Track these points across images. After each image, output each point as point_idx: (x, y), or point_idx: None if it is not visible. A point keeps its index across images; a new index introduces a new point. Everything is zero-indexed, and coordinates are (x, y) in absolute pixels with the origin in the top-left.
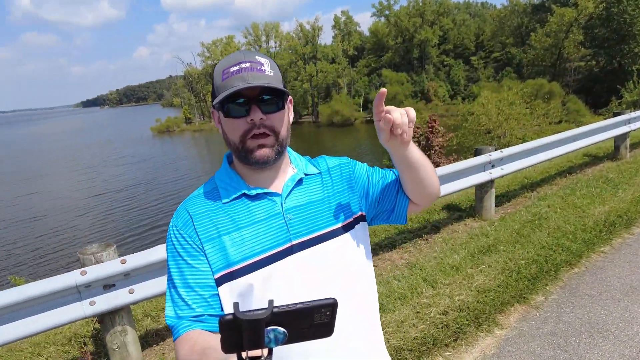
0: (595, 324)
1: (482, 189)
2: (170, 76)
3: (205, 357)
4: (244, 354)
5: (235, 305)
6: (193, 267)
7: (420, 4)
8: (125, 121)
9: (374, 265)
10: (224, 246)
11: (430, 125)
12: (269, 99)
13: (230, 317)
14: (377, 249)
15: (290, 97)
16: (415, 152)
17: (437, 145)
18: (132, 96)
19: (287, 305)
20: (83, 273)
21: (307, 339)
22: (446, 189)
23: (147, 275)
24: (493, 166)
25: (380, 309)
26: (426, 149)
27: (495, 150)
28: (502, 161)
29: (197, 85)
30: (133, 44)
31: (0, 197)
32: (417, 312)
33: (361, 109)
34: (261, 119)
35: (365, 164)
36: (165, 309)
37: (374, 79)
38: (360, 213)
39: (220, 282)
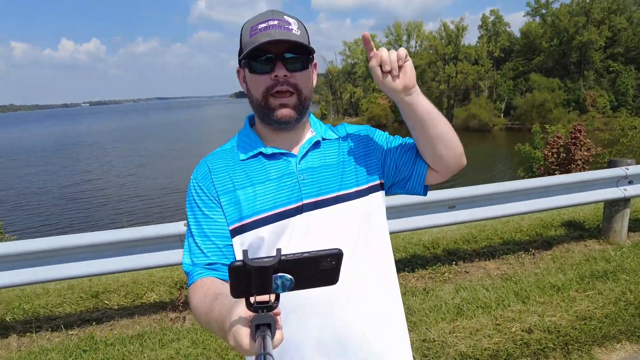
0: None
1: (612, 207)
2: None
3: (216, 302)
4: (252, 299)
5: (245, 252)
6: (209, 218)
7: (588, 1)
8: None
9: (465, 272)
10: (238, 200)
11: (573, 135)
12: (293, 57)
13: (239, 263)
14: (474, 256)
15: (315, 61)
16: (423, 102)
17: (580, 159)
18: None
19: (294, 254)
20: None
21: (313, 286)
22: (566, 199)
23: None
24: (630, 182)
25: (456, 313)
26: (565, 162)
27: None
28: None
29: (336, 83)
30: None
31: (158, 170)
32: (497, 324)
33: (502, 115)
34: (285, 75)
35: (386, 132)
36: (182, 257)
37: (520, 84)
38: (377, 182)
39: (233, 233)
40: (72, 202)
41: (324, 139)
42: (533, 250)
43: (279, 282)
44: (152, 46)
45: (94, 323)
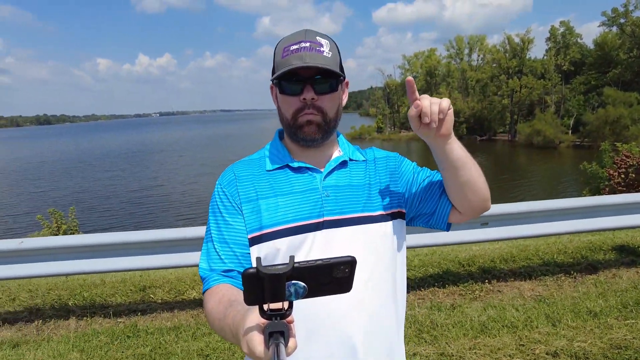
0: None
1: None
2: (371, 87)
3: (230, 309)
4: (265, 306)
5: (258, 259)
6: (230, 224)
7: None
8: None
9: (498, 291)
10: (260, 209)
11: None
12: (322, 79)
13: (252, 270)
14: (509, 275)
15: (346, 80)
16: (457, 149)
17: None
18: None
19: (307, 261)
20: None
21: (327, 293)
22: (612, 221)
23: None
24: None
25: (480, 330)
26: (635, 183)
27: None
28: None
29: (394, 97)
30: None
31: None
32: (521, 345)
33: (570, 132)
34: (313, 98)
35: (415, 163)
36: (199, 261)
37: (591, 98)
38: (398, 209)
39: (251, 242)
40: (138, 206)
41: (351, 160)
42: (575, 274)
43: (292, 289)
44: (218, 60)
45: (139, 313)
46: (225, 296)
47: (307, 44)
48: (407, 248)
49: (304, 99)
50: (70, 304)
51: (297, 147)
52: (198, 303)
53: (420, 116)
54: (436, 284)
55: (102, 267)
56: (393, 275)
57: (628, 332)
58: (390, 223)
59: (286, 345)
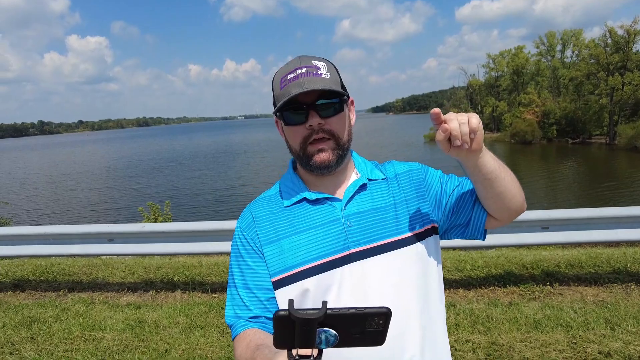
0: None
1: None
2: (453, 87)
3: (258, 353)
4: (294, 352)
5: (290, 302)
6: (252, 269)
7: None
8: (405, 127)
9: (559, 294)
10: (282, 250)
11: None
12: (326, 103)
13: (284, 313)
14: (574, 280)
15: (351, 99)
16: (488, 162)
17: None
18: (414, 104)
19: (340, 309)
20: None
21: (358, 345)
22: None
23: None
24: None
25: (534, 327)
26: None
27: None
28: None
29: (477, 97)
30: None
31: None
32: (574, 343)
33: None
34: (319, 123)
35: (440, 171)
36: (226, 307)
37: None
38: (431, 225)
39: (276, 285)
40: (222, 204)
41: (370, 180)
42: None
43: (323, 337)
44: None
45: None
46: (253, 341)
47: (304, 70)
48: (470, 249)
49: (310, 125)
50: (175, 280)
51: (313, 176)
52: None
53: (449, 139)
54: (497, 283)
55: (200, 249)
56: (435, 300)
57: None
58: (424, 242)
59: None
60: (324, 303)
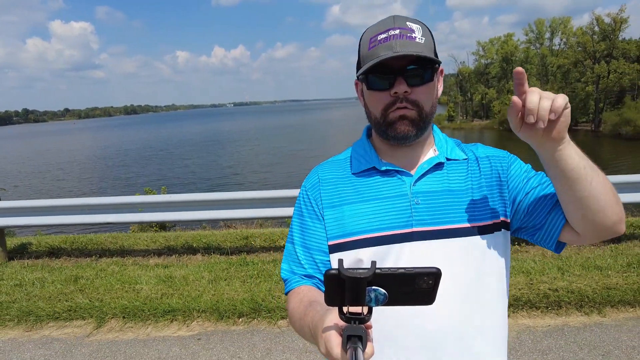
0: None
1: None
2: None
3: (310, 309)
4: (345, 309)
5: (340, 261)
6: (311, 230)
7: None
8: None
9: (525, 252)
10: (343, 216)
11: None
12: (416, 69)
13: (334, 272)
14: None
15: (441, 68)
16: (571, 157)
17: None
18: None
19: (389, 268)
20: None
21: (408, 304)
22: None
23: None
24: None
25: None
26: None
27: None
28: None
29: (467, 84)
30: None
31: (290, 168)
32: (531, 283)
33: None
34: (405, 92)
35: (528, 165)
36: (282, 262)
37: None
38: (503, 219)
39: (331, 249)
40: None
41: (448, 160)
42: (599, 243)
43: (372, 295)
44: (289, 51)
45: (244, 253)
46: (306, 297)
47: (397, 31)
48: None
49: (396, 92)
50: (194, 245)
51: (387, 146)
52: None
53: (522, 114)
54: None
55: (217, 216)
56: (495, 296)
57: (621, 280)
58: (493, 235)
59: (364, 350)
60: (373, 263)
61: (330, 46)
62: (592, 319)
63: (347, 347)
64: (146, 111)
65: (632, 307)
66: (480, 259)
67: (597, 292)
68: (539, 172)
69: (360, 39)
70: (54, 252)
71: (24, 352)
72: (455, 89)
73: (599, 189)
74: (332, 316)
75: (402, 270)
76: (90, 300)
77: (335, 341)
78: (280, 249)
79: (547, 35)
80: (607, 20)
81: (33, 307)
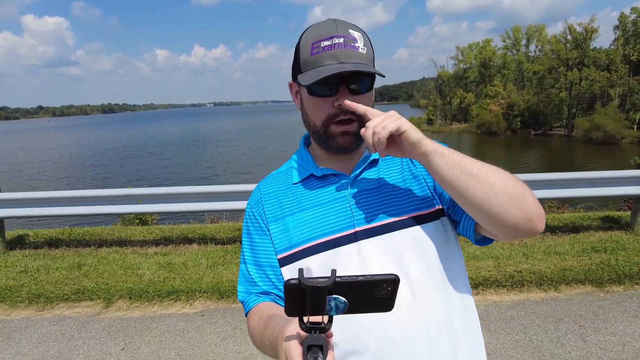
0: None
1: (638, 203)
2: (424, 78)
3: (270, 323)
4: (305, 319)
5: (300, 271)
6: (260, 246)
7: None
8: None
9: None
10: (287, 227)
11: None
12: (358, 78)
13: (294, 282)
14: None
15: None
16: (439, 167)
17: None
18: (385, 95)
19: (349, 277)
20: None
21: (367, 311)
22: (596, 191)
23: None
24: None
25: (472, 258)
26: None
27: None
28: None
29: (446, 88)
30: (395, 46)
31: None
32: (498, 266)
33: (635, 127)
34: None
35: None
36: (238, 284)
37: None
38: (438, 207)
39: (282, 263)
40: None
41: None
42: (559, 232)
43: (332, 304)
44: (270, 52)
45: (238, 242)
46: (265, 312)
47: (341, 40)
48: None
49: (339, 105)
50: (190, 236)
51: (325, 152)
52: None
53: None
54: None
55: (208, 207)
56: (452, 283)
57: (576, 262)
58: (434, 224)
59: (325, 359)
60: (333, 271)
61: None
62: (549, 295)
63: (308, 357)
64: (124, 110)
65: (583, 285)
66: (428, 248)
67: (554, 272)
68: None
69: (300, 40)
70: (53, 243)
71: (40, 328)
72: (434, 93)
73: (482, 195)
74: (292, 327)
75: (362, 278)
76: (96, 284)
77: (295, 351)
78: None
79: (524, 42)
80: (579, 29)
81: (42, 290)
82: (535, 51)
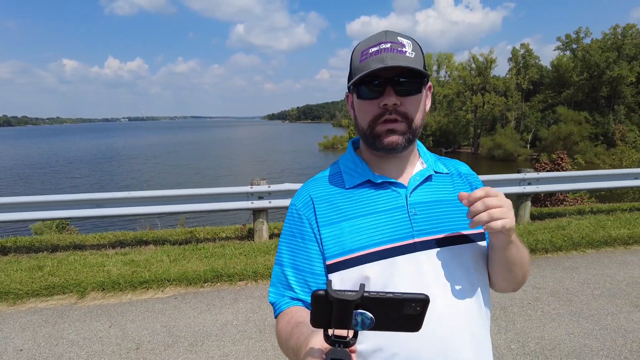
0: None
1: (519, 200)
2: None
3: (296, 330)
4: (330, 331)
5: (329, 282)
6: (304, 250)
7: (620, 37)
8: (301, 135)
9: None
10: (342, 233)
11: (556, 162)
12: (405, 81)
13: (322, 292)
14: None
15: (430, 84)
16: (510, 251)
17: None
18: (309, 114)
19: (378, 292)
20: (251, 187)
21: (394, 329)
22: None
23: (279, 196)
24: (529, 184)
25: None
26: None
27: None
28: (537, 181)
29: None
30: (317, 67)
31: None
32: None
33: (528, 146)
34: (395, 103)
35: None
36: (270, 286)
37: (547, 115)
38: (482, 230)
39: (333, 268)
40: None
41: (436, 172)
42: None
43: (359, 318)
44: (191, 66)
45: (193, 242)
46: (294, 317)
47: (388, 45)
48: None
49: (385, 104)
50: (144, 239)
51: (376, 157)
52: (227, 238)
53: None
54: None
55: (163, 209)
56: (485, 298)
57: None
58: (483, 243)
59: None
60: (362, 286)
61: (234, 64)
62: None
63: None
64: (24, 123)
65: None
66: (478, 263)
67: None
68: None
69: (352, 53)
70: (0, 250)
71: (19, 318)
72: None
73: (517, 275)
74: (317, 339)
75: (391, 295)
76: (65, 280)
77: None
78: (224, 239)
79: (435, 67)
80: (481, 59)
81: (9, 287)
82: (445, 76)
